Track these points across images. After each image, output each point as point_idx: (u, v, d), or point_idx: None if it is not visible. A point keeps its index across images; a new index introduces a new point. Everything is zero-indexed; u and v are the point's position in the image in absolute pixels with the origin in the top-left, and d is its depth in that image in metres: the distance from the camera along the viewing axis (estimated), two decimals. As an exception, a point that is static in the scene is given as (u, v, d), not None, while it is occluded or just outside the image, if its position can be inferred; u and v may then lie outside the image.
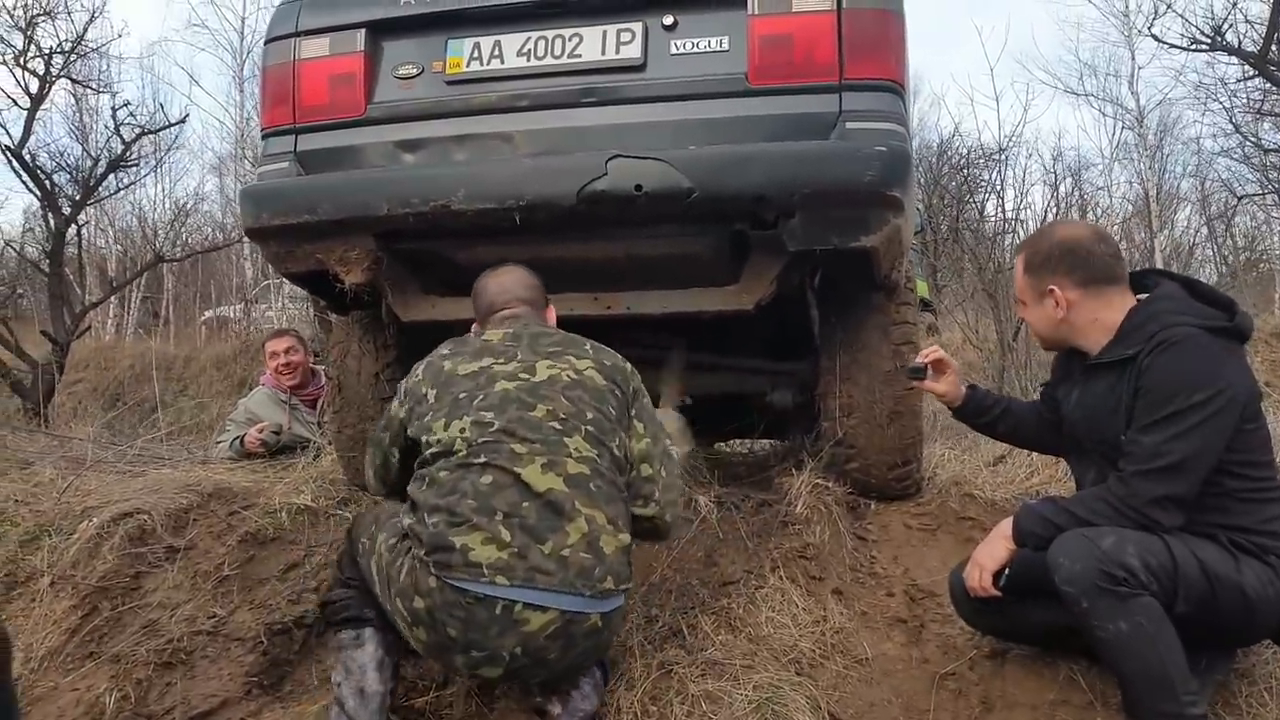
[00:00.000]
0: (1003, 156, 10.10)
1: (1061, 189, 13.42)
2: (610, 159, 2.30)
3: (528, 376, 1.99)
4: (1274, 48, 10.10)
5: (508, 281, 2.30)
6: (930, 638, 2.33)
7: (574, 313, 2.59)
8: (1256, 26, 10.51)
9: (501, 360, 2.04)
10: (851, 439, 2.85)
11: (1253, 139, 12.83)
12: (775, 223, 2.35)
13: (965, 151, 11.88)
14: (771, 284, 2.49)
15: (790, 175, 2.27)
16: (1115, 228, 13.88)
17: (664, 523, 2.10)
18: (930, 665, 2.23)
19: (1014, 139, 13.96)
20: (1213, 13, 10.91)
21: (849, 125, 2.34)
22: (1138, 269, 2.17)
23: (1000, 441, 2.73)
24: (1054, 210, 12.29)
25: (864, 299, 2.81)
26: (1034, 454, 3.26)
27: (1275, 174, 13.31)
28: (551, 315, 2.35)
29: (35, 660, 2.33)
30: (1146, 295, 2.05)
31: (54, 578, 2.56)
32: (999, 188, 10.89)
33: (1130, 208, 16.10)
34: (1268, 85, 11.00)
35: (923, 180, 11.12)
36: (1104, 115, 18.69)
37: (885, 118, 2.37)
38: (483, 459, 1.86)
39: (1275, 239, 16.78)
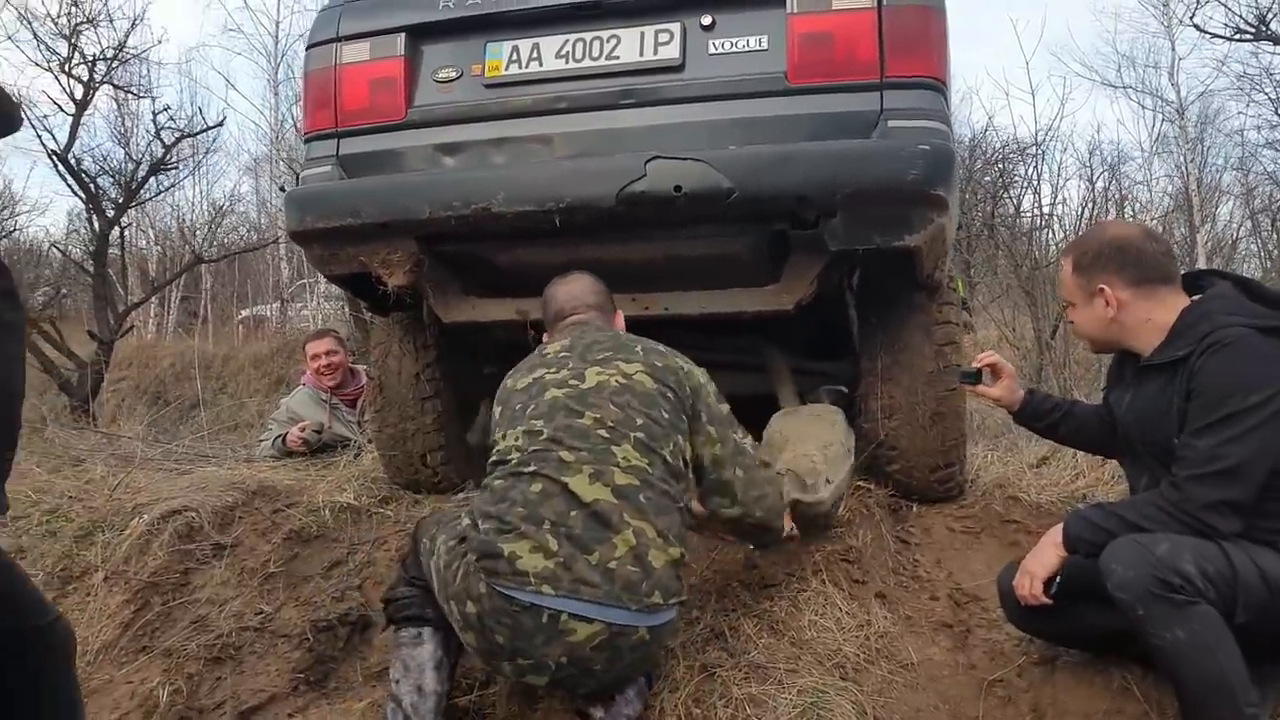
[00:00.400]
0: (1038, 151, 9.94)
1: (1099, 184, 13.19)
2: (649, 160, 2.30)
3: (576, 384, 2.00)
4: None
5: (576, 289, 2.33)
6: (977, 643, 2.29)
7: None
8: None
9: (553, 370, 2.06)
10: (893, 440, 2.82)
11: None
12: (816, 222, 2.33)
13: (1000, 146, 11.73)
14: (812, 284, 2.47)
15: (832, 174, 2.25)
16: (1155, 222, 13.63)
17: (755, 519, 2.15)
18: (977, 671, 2.20)
19: (1050, 133, 13.72)
20: (1257, 2, 10.65)
21: (891, 124, 2.32)
22: (1193, 270, 2.12)
23: (1061, 445, 2.68)
24: (1090, 205, 12.10)
25: (906, 299, 2.78)
26: (1079, 455, 3.21)
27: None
28: (619, 320, 2.37)
29: (91, 653, 2.38)
30: (1200, 295, 2.00)
31: (107, 573, 2.61)
32: (1035, 183, 10.70)
33: (1170, 202, 15.80)
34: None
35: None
36: (1143, 108, 18.36)
37: (928, 115, 2.34)
38: (532, 467, 1.87)
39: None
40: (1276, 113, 12.61)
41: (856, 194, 2.24)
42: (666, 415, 1.99)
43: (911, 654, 2.24)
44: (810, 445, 2.57)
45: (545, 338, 2.33)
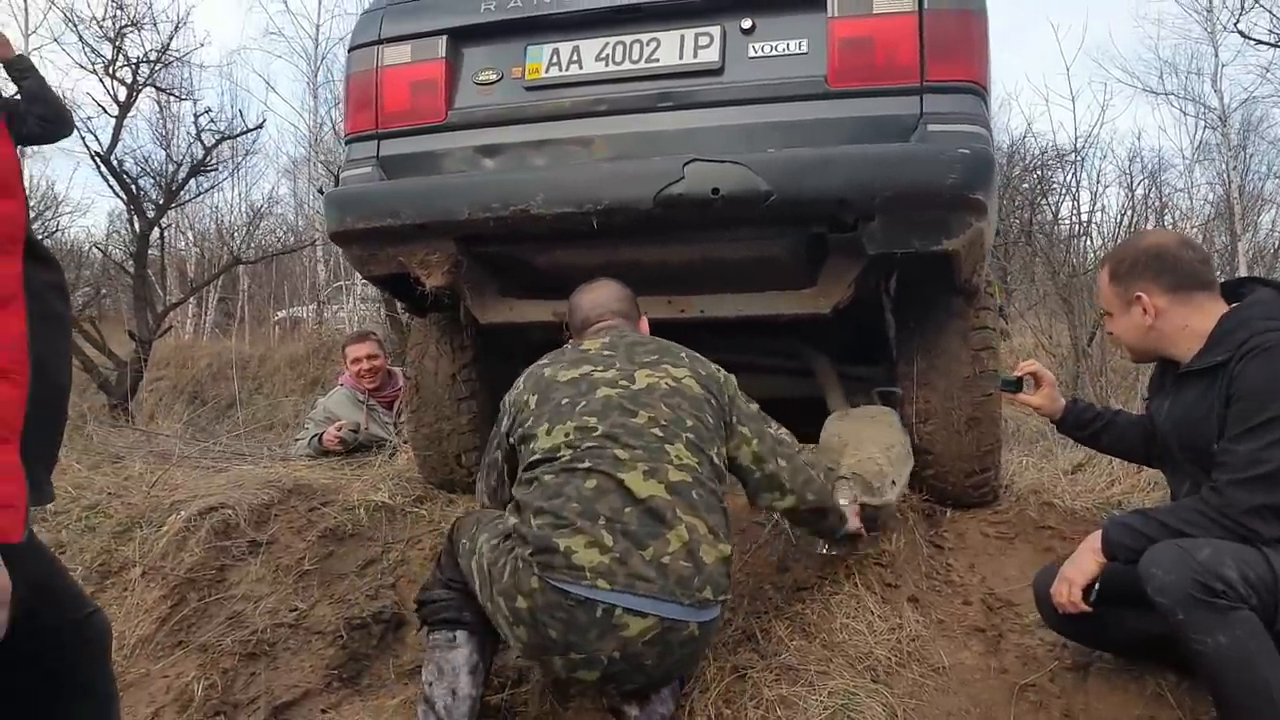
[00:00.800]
0: (1078, 157, 9.81)
1: (1138, 191, 12.99)
2: (687, 163, 2.30)
3: (627, 384, 2.02)
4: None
5: (601, 296, 2.34)
6: (1009, 648, 2.28)
7: (648, 316, 2.60)
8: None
9: (600, 368, 2.07)
10: (928, 445, 2.81)
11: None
12: (854, 226, 2.33)
13: (1039, 152, 11.60)
14: (849, 287, 2.46)
15: (871, 178, 2.25)
16: (1195, 230, 13.40)
17: (810, 504, 2.18)
18: (1009, 675, 2.19)
19: (1089, 140, 13.55)
20: (1303, 8, 10.47)
21: (930, 128, 2.31)
22: (1232, 278, 2.11)
23: (1104, 454, 2.66)
24: (1130, 213, 11.92)
25: (943, 303, 2.77)
26: (1115, 462, 3.17)
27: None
28: (645, 325, 2.38)
29: (128, 648, 2.42)
30: (1239, 302, 1.99)
31: (145, 568, 2.66)
32: (1074, 189, 10.57)
33: (1211, 210, 15.53)
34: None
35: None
36: (1185, 115, 18.07)
37: (967, 120, 2.33)
38: (587, 464, 1.88)
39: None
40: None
41: (895, 198, 2.23)
42: (712, 420, 2.03)
43: (943, 658, 2.23)
44: (872, 448, 2.57)
45: (571, 343, 2.34)
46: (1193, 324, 1.98)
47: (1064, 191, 10.61)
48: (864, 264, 2.42)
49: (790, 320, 2.59)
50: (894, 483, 2.52)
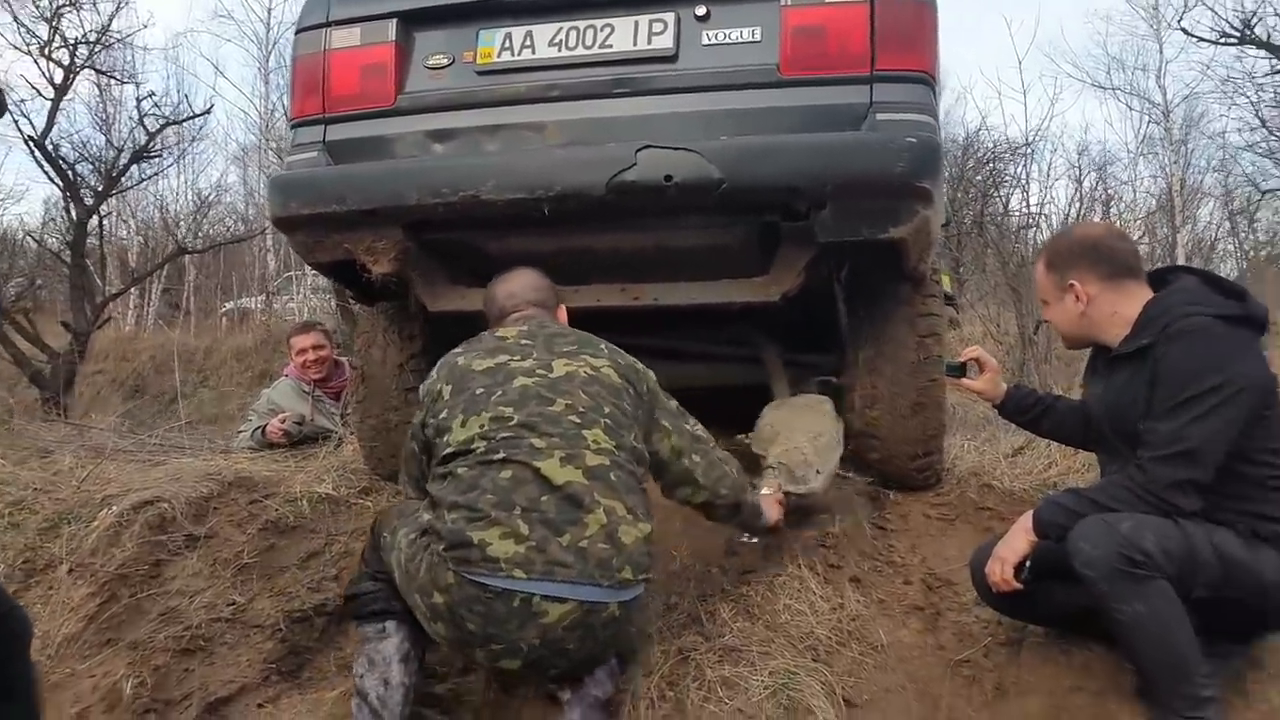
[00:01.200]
0: (1028, 151, 10.03)
1: (1086, 183, 13.31)
2: (640, 149, 2.30)
3: (545, 373, 2.01)
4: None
5: (516, 286, 2.32)
6: (946, 625, 2.32)
7: (600, 304, 2.59)
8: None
9: (518, 357, 2.06)
10: (874, 429, 2.85)
11: (1278, 133, 12.67)
12: (806, 214, 2.35)
13: (991, 145, 11.82)
14: (800, 275, 2.49)
15: (822, 166, 2.28)
16: (1138, 222, 13.77)
17: (722, 499, 2.21)
18: (945, 652, 2.24)
19: (1040, 133, 13.85)
20: (1243, 6, 10.83)
21: (880, 116, 2.34)
22: (1159, 266, 2.20)
23: (1045, 439, 2.74)
24: (1078, 204, 12.22)
25: (891, 291, 2.81)
26: (1053, 446, 3.25)
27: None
28: (563, 315, 2.36)
29: (53, 647, 2.32)
30: (1164, 289, 2.07)
31: (72, 565, 2.56)
32: (1023, 182, 10.81)
33: (1154, 202, 15.96)
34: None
35: (947, 174, 11.06)
36: (1130, 110, 18.54)
37: (916, 109, 2.37)
38: (502, 454, 1.87)
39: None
40: (1257, 115, 12.76)
41: (845, 186, 2.26)
42: (629, 407, 2.04)
43: (882, 636, 2.27)
44: (801, 437, 2.61)
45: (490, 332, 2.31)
46: (1121, 310, 2.06)
47: (1014, 184, 10.85)
48: (814, 252, 2.44)
49: (743, 308, 2.60)
50: (819, 472, 2.56)
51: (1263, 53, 11.00)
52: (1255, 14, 10.45)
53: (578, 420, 1.92)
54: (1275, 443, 1.94)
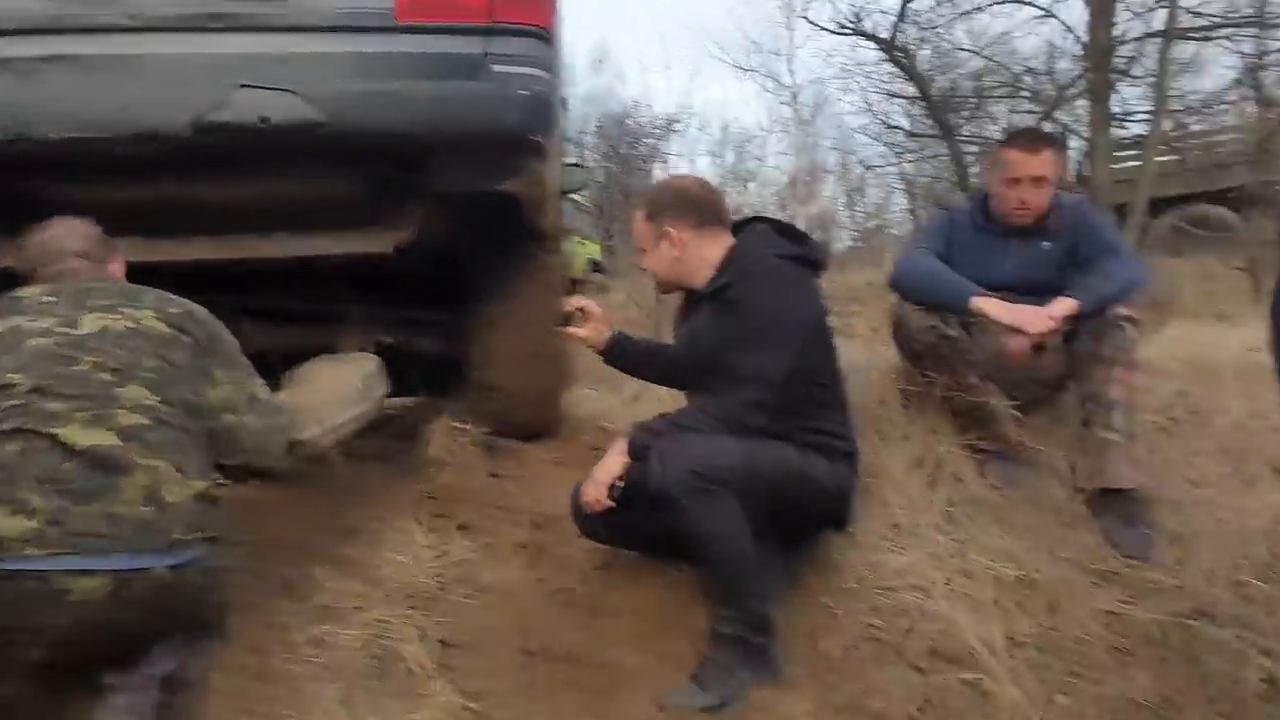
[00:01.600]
0: (671, 126, 10.71)
1: (727, 159, 14.48)
2: (235, 88, 2.12)
3: (68, 330, 1.76)
4: (899, 35, 11.63)
5: (59, 234, 2.01)
6: (548, 559, 2.40)
7: (191, 258, 2.35)
8: (890, 16, 12.13)
9: (31, 317, 1.79)
10: (495, 382, 2.86)
11: (882, 118, 14.63)
12: (416, 164, 2.29)
13: (642, 121, 12.46)
14: (413, 227, 2.43)
15: (432, 115, 2.24)
16: (773, 198, 15.21)
17: (261, 466, 2.05)
18: (546, 583, 2.32)
19: (685, 111, 14.85)
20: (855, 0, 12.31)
21: (495, 68, 2.32)
22: (743, 217, 2.39)
23: (657, 384, 2.89)
24: (720, 181, 13.24)
25: (511, 246, 2.80)
26: (669, 391, 3.47)
27: (899, 150, 15.30)
28: (117, 268, 2.11)
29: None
30: (742, 234, 2.28)
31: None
32: (664, 157, 11.55)
33: (785, 179, 17.74)
34: (895, 69, 12.65)
35: (602, 147, 11.50)
36: (765, 91, 20.45)
37: (532, 63, 2.37)
38: (9, 425, 1.62)
39: (895, 209, 19.26)
40: (864, 101, 14.62)
41: (456, 136, 2.24)
42: (182, 358, 1.84)
43: (487, 577, 2.31)
44: (319, 386, 2.49)
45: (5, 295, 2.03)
46: (708, 255, 2.24)
47: (659, 158, 11.56)
48: (427, 203, 2.39)
49: (349, 260, 2.48)
50: (319, 423, 2.39)
51: (871, 44, 12.61)
52: (863, 9, 12.05)
53: (110, 378, 1.71)
54: (824, 366, 2.21)
